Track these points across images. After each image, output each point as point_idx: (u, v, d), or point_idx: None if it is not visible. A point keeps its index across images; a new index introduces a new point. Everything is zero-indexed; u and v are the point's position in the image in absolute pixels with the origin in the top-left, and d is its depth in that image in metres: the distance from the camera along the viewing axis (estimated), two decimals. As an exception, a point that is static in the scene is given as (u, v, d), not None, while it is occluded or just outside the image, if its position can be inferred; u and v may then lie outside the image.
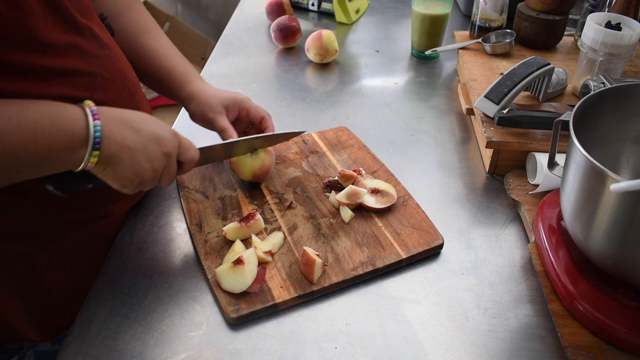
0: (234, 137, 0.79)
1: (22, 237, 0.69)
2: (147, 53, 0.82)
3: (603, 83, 0.85)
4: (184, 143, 0.68)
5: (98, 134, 0.57)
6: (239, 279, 0.65)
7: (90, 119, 0.57)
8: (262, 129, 0.84)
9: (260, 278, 0.66)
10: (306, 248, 0.69)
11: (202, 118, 0.83)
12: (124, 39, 0.80)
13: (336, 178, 0.81)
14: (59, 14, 0.62)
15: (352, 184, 0.79)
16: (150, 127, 0.63)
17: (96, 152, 0.57)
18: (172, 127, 0.98)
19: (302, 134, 0.88)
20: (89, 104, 0.58)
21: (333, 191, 0.79)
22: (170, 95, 0.85)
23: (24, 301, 0.74)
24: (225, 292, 0.66)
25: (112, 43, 0.72)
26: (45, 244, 0.71)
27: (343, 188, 0.79)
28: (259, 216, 0.74)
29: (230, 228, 0.72)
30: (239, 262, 0.66)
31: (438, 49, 1.19)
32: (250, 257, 0.67)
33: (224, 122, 0.81)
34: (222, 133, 0.81)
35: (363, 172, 0.83)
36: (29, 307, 0.75)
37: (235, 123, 0.83)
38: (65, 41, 0.62)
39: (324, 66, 1.21)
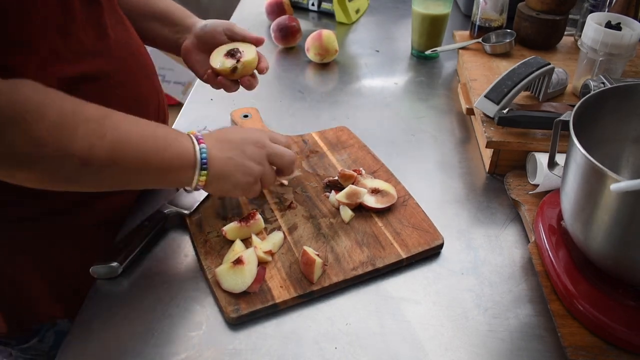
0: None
1: (44, 214, 0.73)
2: (145, 6, 0.86)
3: (603, 83, 0.85)
4: (273, 134, 0.74)
5: (204, 155, 0.65)
6: (238, 279, 0.65)
7: (196, 143, 0.65)
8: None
9: (260, 278, 0.66)
10: (306, 248, 0.69)
11: (213, 35, 0.85)
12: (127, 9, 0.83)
13: (336, 178, 0.81)
14: (92, 14, 0.69)
15: (352, 184, 0.79)
16: (239, 133, 0.71)
17: (204, 172, 0.65)
18: (173, 127, 0.98)
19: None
20: (193, 132, 0.67)
21: (333, 191, 0.79)
22: (170, 36, 0.87)
23: (47, 277, 0.76)
24: (225, 292, 0.66)
25: (129, 39, 0.76)
26: (69, 219, 0.75)
27: (343, 188, 0.79)
28: (259, 216, 0.74)
29: (230, 228, 0.72)
30: (238, 262, 0.66)
31: (438, 49, 1.19)
32: (250, 257, 0.67)
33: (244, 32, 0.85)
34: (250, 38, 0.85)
35: (363, 171, 0.83)
36: (52, 283, 0.77)
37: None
38: (90, 45, 0.68)
39: (324, 66, 1.21)
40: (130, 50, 0.77)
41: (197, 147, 0.64)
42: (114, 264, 0.68)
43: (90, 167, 0.57)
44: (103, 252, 0.70)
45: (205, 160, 0.64)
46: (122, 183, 0.64)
